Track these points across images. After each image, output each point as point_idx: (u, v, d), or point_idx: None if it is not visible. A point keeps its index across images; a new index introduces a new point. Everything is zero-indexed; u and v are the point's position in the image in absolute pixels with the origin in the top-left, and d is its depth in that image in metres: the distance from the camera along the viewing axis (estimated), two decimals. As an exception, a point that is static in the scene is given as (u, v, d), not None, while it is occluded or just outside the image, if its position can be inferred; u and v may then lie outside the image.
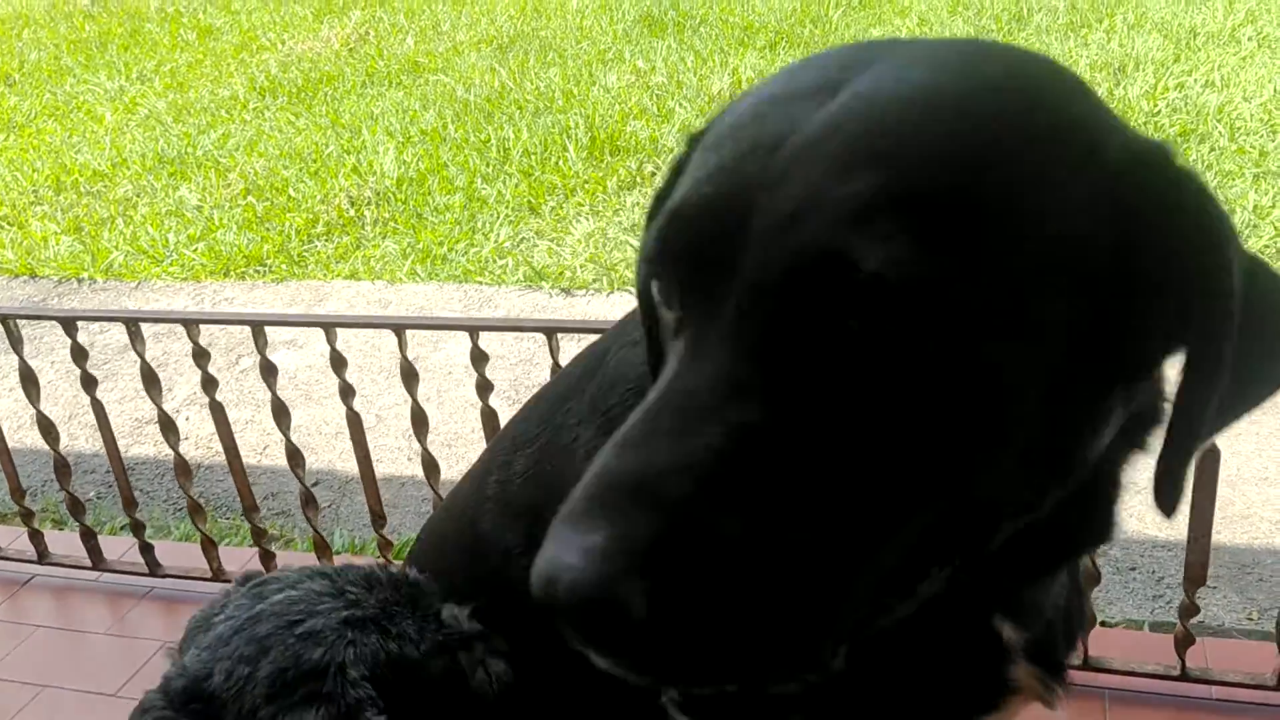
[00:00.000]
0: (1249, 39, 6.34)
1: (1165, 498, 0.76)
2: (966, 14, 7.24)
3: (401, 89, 7.06)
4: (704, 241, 0.71)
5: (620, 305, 4.48)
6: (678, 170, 0.84)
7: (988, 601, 0.94)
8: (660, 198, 0.86)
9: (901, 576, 0.72)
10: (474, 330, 1.81)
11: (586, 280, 4.78)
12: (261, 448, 3.90)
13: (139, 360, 2.13)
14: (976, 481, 0.70)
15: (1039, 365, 0.68)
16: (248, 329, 2.02)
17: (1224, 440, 3.41)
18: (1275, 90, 5.64)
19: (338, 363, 1.93)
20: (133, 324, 2.05)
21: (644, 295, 0.87)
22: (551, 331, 1.78)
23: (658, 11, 7.94)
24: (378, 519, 2.12)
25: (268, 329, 2.06)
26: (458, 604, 1.15)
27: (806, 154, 0.68)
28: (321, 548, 2.20)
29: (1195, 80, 5.78)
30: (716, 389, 0.68)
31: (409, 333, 1.89)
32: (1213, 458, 1.65)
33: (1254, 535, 2.99)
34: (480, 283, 4.88)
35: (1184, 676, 1.76)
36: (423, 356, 4.17)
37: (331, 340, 1.92)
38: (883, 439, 0.67)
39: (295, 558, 2.48)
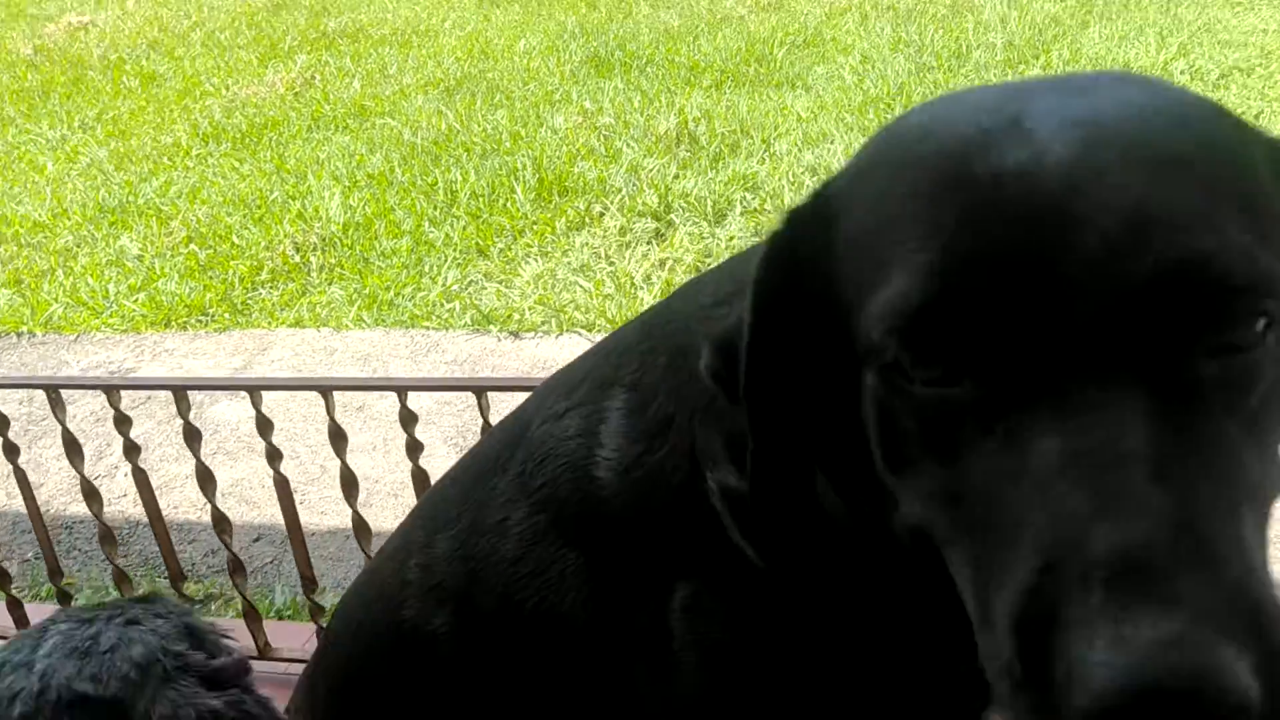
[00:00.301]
0: (1181, 72, 6.48)
1: None
2: (908, 51, 7.35)
3: (348, 133, 7.02)
4: (1012, 291, 0.64)
5: (569, 348, 4.46)
6: (791, 250, 0.80)
7: None
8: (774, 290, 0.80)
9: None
10: (402, 390, 1.78)
11: (535, 322, 4.76)
12: (203, 503, 3.82)
13: (60, 427, 2.07)
14: None
15: None
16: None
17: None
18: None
19: (263, 426, 1.89)
20: (53, 390, 1.99)
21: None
22: (481, 390, 1.75)
23: (604, 52, 7.99)
24: (308, 583, 2.07)
25: (198, 391, 2.02)
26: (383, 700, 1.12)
27: (1092, 179, 0.65)
28: (251, 616, 2.14)
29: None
30: (1140, 436, 0.62)
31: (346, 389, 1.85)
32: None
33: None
34: (427, 327, 4.83)
35: None
36: (369, 404, 4.12)
37: (256, 403, 1.87)
38: (1247, 438, 0.67)
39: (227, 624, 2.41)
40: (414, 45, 8.81)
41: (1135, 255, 0.63)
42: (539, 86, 7.49)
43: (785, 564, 0.90)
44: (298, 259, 5.43)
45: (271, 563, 3.55)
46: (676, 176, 5.82)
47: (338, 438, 1.83)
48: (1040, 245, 0.64)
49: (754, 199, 5.51)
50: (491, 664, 1.07)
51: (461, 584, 1.08)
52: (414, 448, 1.79)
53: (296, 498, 3.94)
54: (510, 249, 5.37)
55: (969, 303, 0.65)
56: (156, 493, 2.11)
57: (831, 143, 6.01)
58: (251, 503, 3.80)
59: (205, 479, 1.97)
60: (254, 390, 1.85)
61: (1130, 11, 7.60)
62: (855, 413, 0.77)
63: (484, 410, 1.75)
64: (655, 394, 0.98)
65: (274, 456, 1.91)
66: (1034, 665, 0.61)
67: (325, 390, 1.81)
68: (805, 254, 0.79)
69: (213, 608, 3.35)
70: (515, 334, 4.72)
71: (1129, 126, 0.68)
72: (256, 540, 3.68)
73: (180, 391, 1.89)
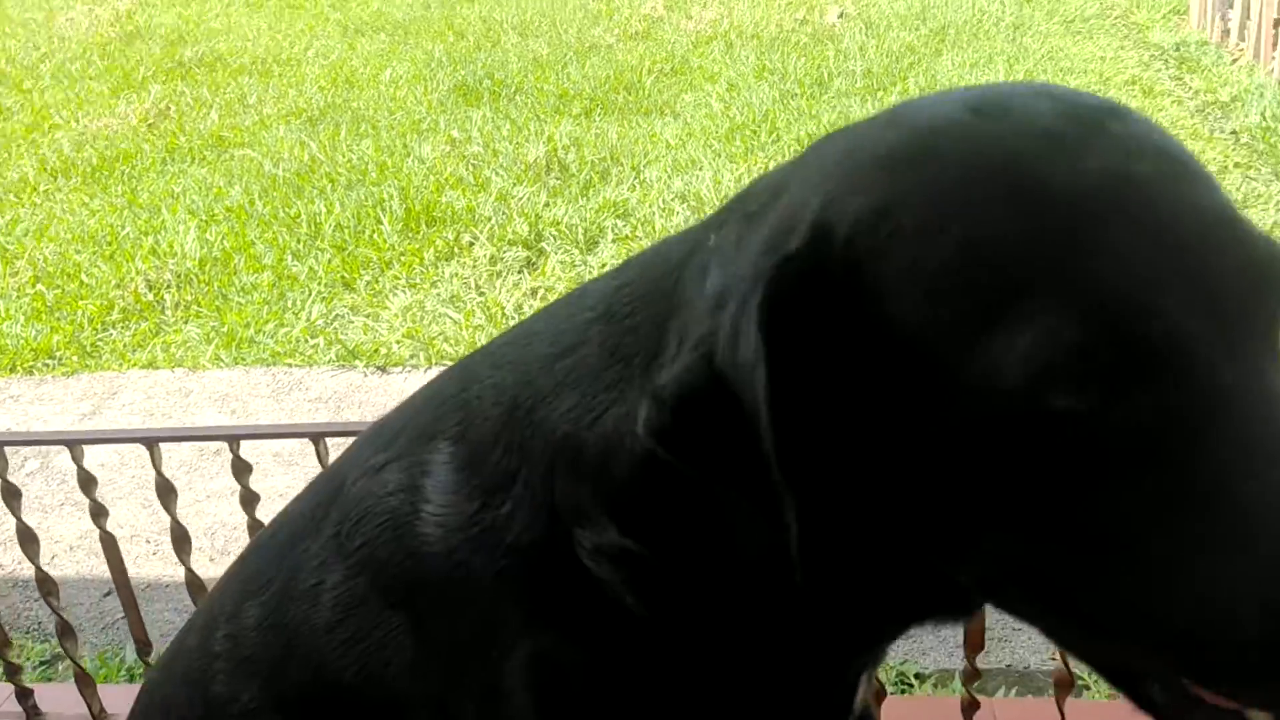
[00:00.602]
0: (1028, 97, 6.78)
1: None
2: (772, 79, 7.51)
3: (205, 165, 6.80)
4: (1168, 328, 0.66)
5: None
6: (802, 302, 0.73)
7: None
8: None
9: None
10: (233, 439, 1.70)
11: (403, 356, 4.66)
12: (49, 556, 3.61)
13: None
14: None
15: None
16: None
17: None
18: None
19: (86, 482, 1.78)
20: None
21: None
22: (319, 437, 1.68)
23: (472, 81, 7.93)
24: (143, 648, 1.96)
25: (17, 446, 1.89)
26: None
27: (1184, 193, 0.71)
28: (83, 681, 2.01)
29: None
30: None
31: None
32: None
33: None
34: (290, 365, 4.69)
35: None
36: (224, 448, 3.96)
37: (78, 459, 1.77)
38: None
39: (59, 690, 2.26)
40: (275, 74, 8.60)
41: (1236, 252, 0.70)
42: (405, 116, 7.39)
43: (668, 606, 0.88)
44: (151, 297, 5.21)
45: (124, 618, 3.37)
46: (547, 204, 5.80)
47: (166, 493, 1.74)
48: (1187, 271, 0.68)
49: (625, 226, 5.52)
50: None
51: (273, 655, 1.02)
52: (248, 500, 1.71)
53: (149, 548, 3.80)
54: (377, 281, 5.26)
55: (1139, 336, 0.66)
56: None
57: (700, 169, 6.07)
58: (102, 555, 3.60)
59: (27, 539, 1.85)
60: (74, 445, 1.74)
61: (979, 40, 7.93)
62: (906, 463, 0.74)
63: (322, 458, 1.68)
64: (491, 448, 0.93)
65: (99, 514, 1.80)
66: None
67: (150, 442, 1.72)
68: (829, 294, 0.73)
69: (59, 668, 3.16)
70: (383, 369, 4.61)
71: (1156, 135, 0.75)
72: (108, 594, 3.50)
73: (-8, 448, 1.77)
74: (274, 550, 1.07)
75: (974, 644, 1.67)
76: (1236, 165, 5.71)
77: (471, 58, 8.56)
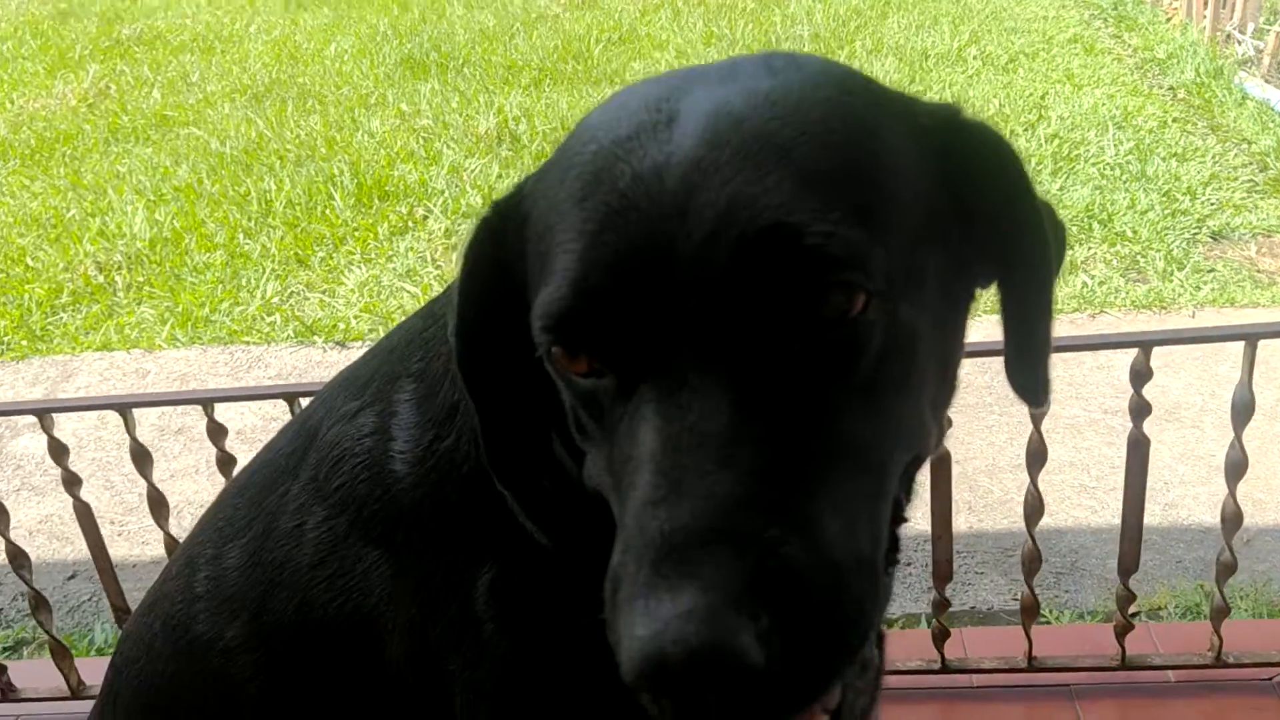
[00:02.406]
0: (974, 58, 6.86)
1: (1042, 390, 0.90)
2: (720, 45, 7.52)
3: (150, 145, 6.67)
4: (635, 287, 0.70)
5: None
6: (496, 236, 0.84)
7: None
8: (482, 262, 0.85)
9: (884, 525, 0.77)
10: (207, 403, 1.70)
11: (362, 331, 4.64)
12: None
13: None
14: (912, 426, 0.78)
15: (930, 312, 0.77)
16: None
17: (975, 437, 3.59)
18: (999, 104, 6.12)
19: (57, 451, 1.77)
20: None
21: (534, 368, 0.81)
22: (292, 397, 1.69)
23: (419, 54, 7.85)
24: (121, 615, 1.96)
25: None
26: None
27: (702, 174, 0.70)
28: (59, 653, 2.01)
29: (930, 98, 6.20)
30: (722, 417, 0.68)
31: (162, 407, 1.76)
32: (945, 459, 1.74)
33: (1013, 520, 3.19)
34: (248, 342, 4.65)
35: (945, 669, 1.84)
36: (189, 426, 3.93)
37: (48, 428, 1.76)
38: (854, 406, 0.72)
39: (32, 666, 2.25)
40: (217, 51, 8.45)
41: (722, 240, 0.69)
42: (353, 90, 7.31)
43: (559, 533, 0.91)
44: (101, 279, 5.13)
45: (90, 599, 3.34)
46: (500, 176, 5.78)
47: (141, 458, 1.74)
48: (656, 243, 0.70)
49: (578, 195, 5.52)
50: (294, 673, 1.04)
51: (256, 594, 1.04)
52: (225, 462, 1.72)
53: (114, 529, 3.76)
54: (332, 257, 5.22)
55: (600, 304, 0.71)
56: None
57: (651, 136, 6.08)
58: (63, 538, 3.57)
59: (-3, 512, 1.84)
60: (43, 414, 1.73)
61: (925, 2, 8.00)
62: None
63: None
64: (442, 380, 0.97)
65: (72, 483, 1.80)
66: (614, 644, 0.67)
67: (124, 409, 1.71)
68: (509, 242, 0.83)
69: (24, 652, 3.13)
70: (341, 344, 4.58)
71: (748, 118, 0.73)
72: (71, 578, 3.47)
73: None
74: (251, 495, 1.09)
75: (942, 575, 1.73)
76: (1175, 120, 5.84)
77: (417, 30, 8.47)
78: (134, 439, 1.74)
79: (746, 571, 0.63)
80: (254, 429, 3.86)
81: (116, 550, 3.52)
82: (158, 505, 1.78)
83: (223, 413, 1.72)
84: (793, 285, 0.69)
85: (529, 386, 0.86)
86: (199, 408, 1.75)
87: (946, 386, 0.84)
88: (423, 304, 1.10)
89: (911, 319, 0.74)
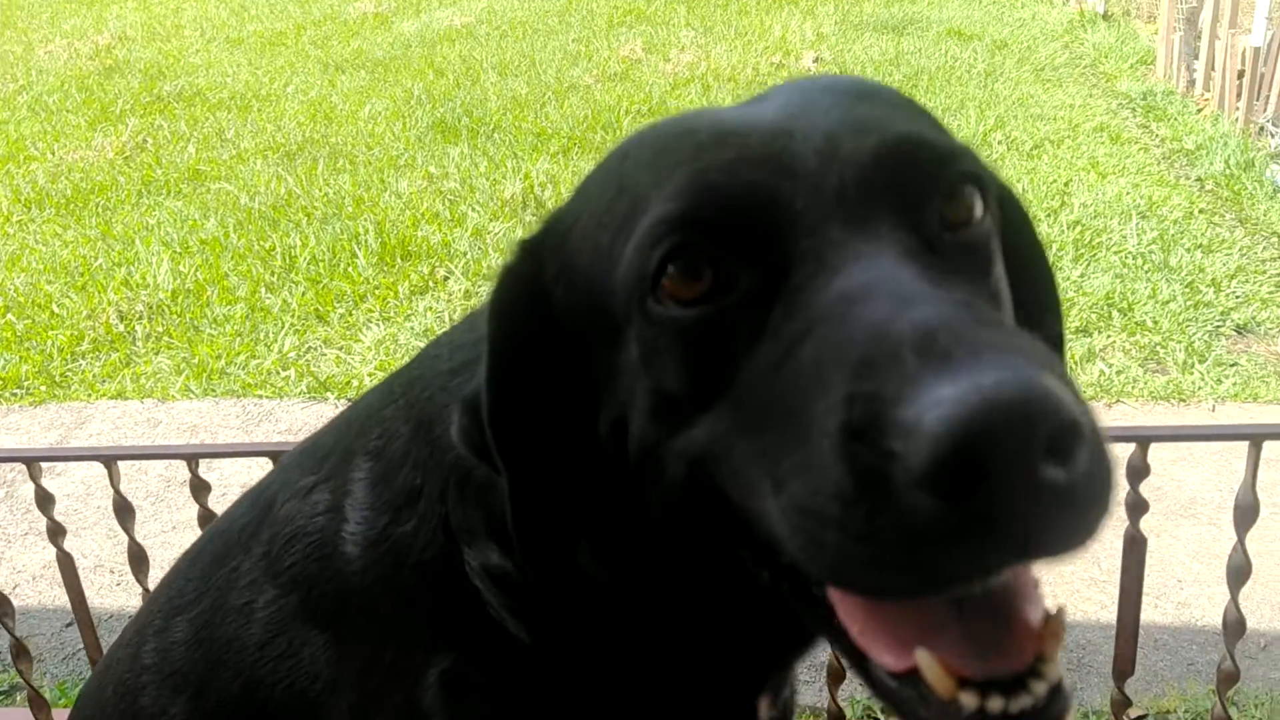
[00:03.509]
0: (999, 143, 6.89)
1: None
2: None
3: (180, 198, 6.79)
4: (760, 184, 0.70)
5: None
6: (529, 267, 0.84)
7: (763, 670, 0.96)
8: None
9: None
10: (192, 458, 1.69)
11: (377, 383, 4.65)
12: (11, 586, 3.56)
13: None
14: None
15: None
16: None
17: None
18: (1022, 189, 6.13)
19: (43, 500, 1.77)
20: None
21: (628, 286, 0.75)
22: (277, 455, 1.67)
23: (451, 118, 7.99)
24: (96, 670, 1.93)
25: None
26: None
27: (797, 116, 0.75)
28: (37, 704, 1.98)
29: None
30: (908, 273, 0.66)
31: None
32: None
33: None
34: (260, 396, 4.66)
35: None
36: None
37: (35, 476, 1.75)
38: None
39: (13, 715, 2.22)
40: (254, 109, 8.63)
41: (859, 140, 0.72)
42: (383, 151, 7.42)
43: (550, 633, 0.89)
44: (122, 328, 5.18)
45: (79, 652, 3.32)
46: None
47: (123, 511, 1.73)
48: (770, 153, 0.72)
49: (598, 263, 5.55)
50: None
51: (201, 670, 1.02)
52: (207, 519, 1.70)
53: (114, 578, 3.74)
54: (351, 314, 5.25)
55: (731, 198, 0.70)
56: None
57: (674, 208, 6.13)
58: (59, 584, 3.56)
59: (-20, 561, 1.82)
60: (30, 463, 1.73)
61: (952, 87, 8.06)
62: (605, 415, 0.78)
63: (282, 477, 1.68)
64: (401, 463, 0.95)
65: (56, 533, 1.79)
66: (868, 466, 0.58)
67: (109, 460, 1.70)
68: (546, 267, 0.81)
69: (18, 698, 3.11)
70: (353, 401, 4.59)
71: (832, 87, 0.80)
72: (69, 625, 3.44)
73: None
74: (202, 567, 1.08)
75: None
76: (1201, 211, 5.82)
77: (451, 96, 8.62)
78: (117, 492, 1.73)
79: (1032, 346, 0.60)
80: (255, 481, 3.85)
81: (114, 600, 3.51)
82: (137, 560, 1.76)
83: (226, 466, 1.71)
84: (933, 174, 0.73)
85: (564, 451, 0.82)
86: (191, 461, 1.74)
87: None
88: (381, 380, 1.09)
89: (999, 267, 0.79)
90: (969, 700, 0.63)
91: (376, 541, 0.94)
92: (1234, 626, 1.70)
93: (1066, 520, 0.57)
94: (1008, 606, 0.65)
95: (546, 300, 0.81)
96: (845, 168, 0.70)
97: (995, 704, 0.62)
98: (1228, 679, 1.75)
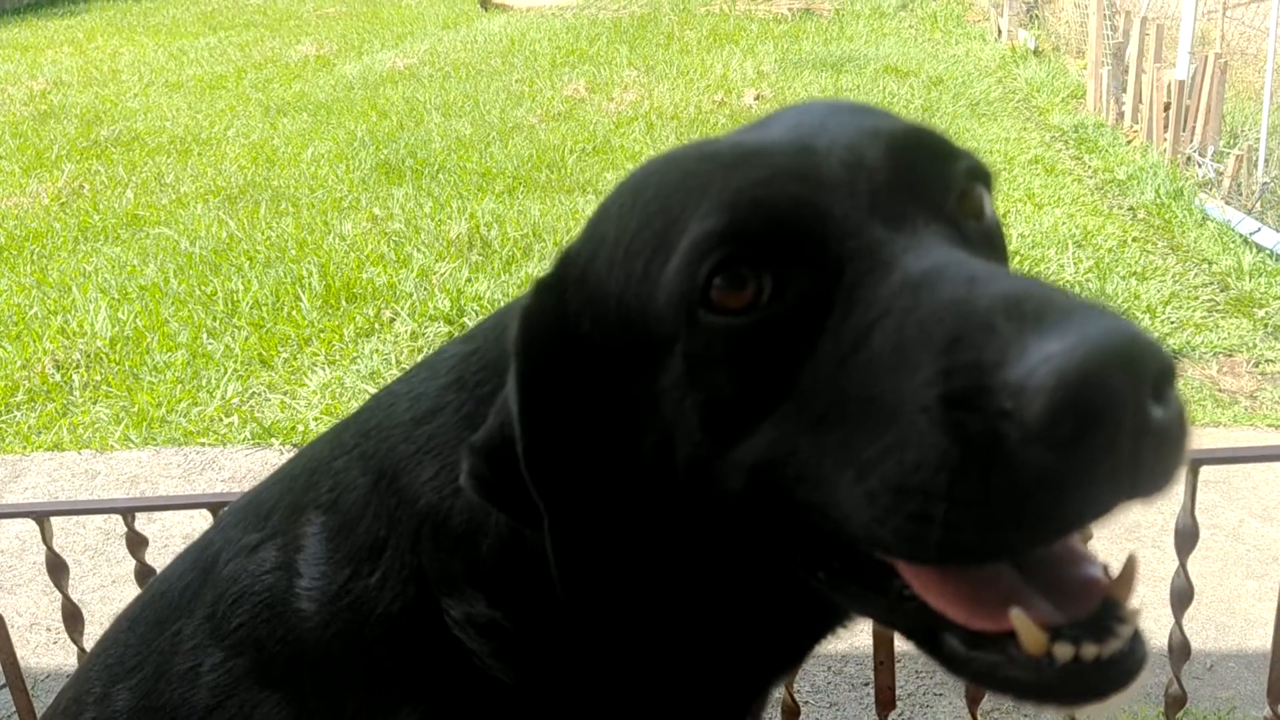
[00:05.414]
0: (937, 175, 7.02)
1: None
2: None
3: (119, 244, 6.68)
4: (792, 193, 0.73)
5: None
6: (550, 307, 0.83)
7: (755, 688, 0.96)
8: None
9: None
10: (127, 512, 1.65)
11: (320, 434, 4.58)
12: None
13: None
14: None
15: None
16: None
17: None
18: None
19: (-29, 560, 1.70)
20: None
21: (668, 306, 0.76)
22: (217, 507, 1.64)
23: (395, 159, 7.96)
24: (30, 734, 1.86)
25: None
26: None
27: (811, 129, 0.79)
28: (-35, 775, 1.90)
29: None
30: (961, 255, 0.70)
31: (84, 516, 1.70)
32: None
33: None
34: (203, 444, 4.57)
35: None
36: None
37: (-37, 535, 1.69)
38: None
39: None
40: (194, 153, 8.54)
41: (877, 147, 0.76)
42: (327, 194, 7.37)
43: (539, 673, 0.87)
44: (58, 378, 5.06)
45: (11, 716, 3.20)
46: (469, 280, 5.80)
47: (57, 569, 1.67)
48: (795, 164, 0.75)
49: (546, 301, 5.54)
50: None
51: None
52: (144, 574, 1.65)
53: (49, 636, 3.62)
54: (295, 358, 5.18)
55: (770, 209, 0.72)
56: None
57: (620, 245, 6.14)
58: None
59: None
60: (-42, 521, 1.67)
61: (891, 121, 8.21)
62: (646, 439, 0.78)
63: (222, 528, 1.64)
64: (360, 516, 0.93)
65: (-15, 594, 1.72)
66: (976, 430, 0.60)
67: (40, 517, 1.65)
68: (571, 307, 0.81)
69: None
70: (299, 446, 4.52)
71: (837, 108, 0.84)
72: (2, 687, 3.32)
73: None
74: (142, 632, 1.04)
75: (884, 701, 1.67)
76: (1134, 240, 5.96)
77: (394, 137, 8.60)
78: (50, 549, 1.68)
79: (1110, 309, 0.63)
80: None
81: (52, 659, 3.40)
82: (72, 619, 1.70)
83: (167, 518, 1.67)
84: (946, 168, 0.78)
85: (602, 484, 0.82)
86: (126, 515, 1.70)
87: None
88: (323, 433, 1.06)
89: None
90: (1063, 650, 0.66)
91: (336, 596, 0.92)
92: (1179, 650, 1.71)
93: (1166, 455, 0.62)
94: (1064, 561, 0.70)
95: (571, 336, 0.81)
96: (873, 173, 0.74)
97: (1089, 650, 0.66)
98: (1175, 703, 1.76)
